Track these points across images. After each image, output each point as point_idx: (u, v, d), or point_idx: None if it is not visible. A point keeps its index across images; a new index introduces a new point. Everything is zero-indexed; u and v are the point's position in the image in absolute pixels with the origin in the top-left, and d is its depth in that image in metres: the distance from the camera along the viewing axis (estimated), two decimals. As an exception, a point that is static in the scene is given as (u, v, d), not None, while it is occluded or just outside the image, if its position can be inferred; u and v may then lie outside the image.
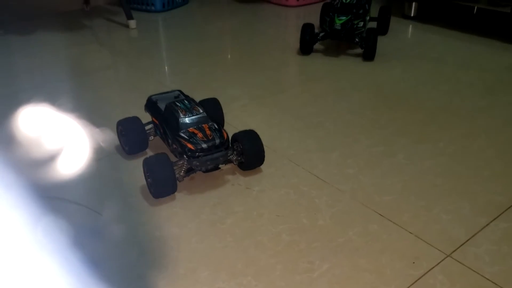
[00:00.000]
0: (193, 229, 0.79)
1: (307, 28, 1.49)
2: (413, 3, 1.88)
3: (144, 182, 0.88)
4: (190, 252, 0.74)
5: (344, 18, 1.44)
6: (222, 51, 1.68)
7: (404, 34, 1.79)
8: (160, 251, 0.74)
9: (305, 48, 1.51)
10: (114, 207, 0.85)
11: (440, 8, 2.04)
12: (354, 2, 1.50)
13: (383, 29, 1.69)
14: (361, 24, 1.49)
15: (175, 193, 0.87)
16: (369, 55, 1.46)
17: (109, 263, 0.72)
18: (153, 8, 2.10)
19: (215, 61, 1.56)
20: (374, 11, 1.67)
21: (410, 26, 1.85)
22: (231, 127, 1.08)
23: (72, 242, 0.70)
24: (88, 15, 2.12)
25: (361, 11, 1.49)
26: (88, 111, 1.22)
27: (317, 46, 1.57)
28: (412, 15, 1.90)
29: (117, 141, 1.02)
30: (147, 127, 0.99)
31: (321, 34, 1.51)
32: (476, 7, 1.93)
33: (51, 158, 0.97)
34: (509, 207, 0.83)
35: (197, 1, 2.32)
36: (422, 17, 1.90)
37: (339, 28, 1.44)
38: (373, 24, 1.65)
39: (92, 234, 0.79)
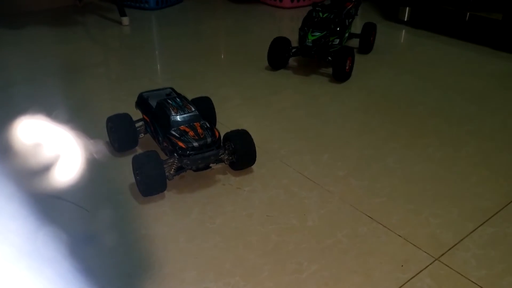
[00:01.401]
0: (182, 229, 0.79)
1: (276, 43, 1.42)
2: (406, 8, 1.89)
3: (133, 180, 0.88)
4: (178, 252, 0.74)
5: (318, 34, 1.35)
6: (215, 51, 1.68)
7: (397, 38, 1.81)
8: (147, 250, 0.74)
9: (274, 63, 1.44)
10: (101, 204, 0.85)
11: (432, 13, 2.05)
12: (332, 17, 1.41)
13: (365, 47, 1.59)
14: (337, 41, 1.41)
15: (165, 191, 0.86)
16: (338, 76, 1.36)
17: (94, 261, 0.72)
18: (146, 5, 2.09)
19: (208, 60, 1.56)
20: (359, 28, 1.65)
21: (403, 30, 1.86)
22: (223, 126, 1.08)
23: (58, 239, 0.70)
24: (81, 11, 2.10)
25: (339, 28, 1.40)
26: (78, 107, 1.21)
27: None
28: (405, 19, 1.91)
29: (106, 138, 1.02)
30: (137, 124, 0.98)
31: (293, 50, 1.43)
32: (468, 14, 1.95)
33: (37, 154, 0.96)
34: (496, 213, 0.83)
35: (191, 0, 2.31)
36: (415, 22, 1.91)
37: (310, 44, 1.34)
38: (356, 42, 1.60)
39: (79, 231, 0.78)
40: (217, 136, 0.87)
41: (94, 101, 1.25)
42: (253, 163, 0.93)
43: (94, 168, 0.96)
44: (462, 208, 0.84)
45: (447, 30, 1.83)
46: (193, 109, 0.89)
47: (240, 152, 0.90)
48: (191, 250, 0.74)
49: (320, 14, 1.43)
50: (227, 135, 0.91)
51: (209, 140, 0.85)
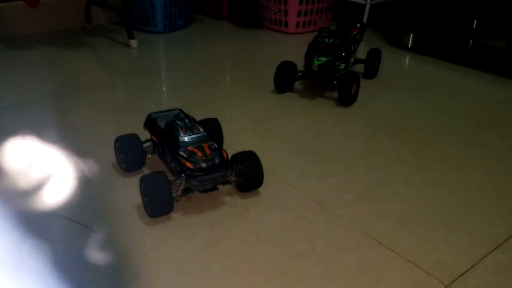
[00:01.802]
0: (189, 251, 0.78)
1: (282, 67, 1.44)
2: (410, 35, 1.91)
3: (140, 200, 0.87)
4: (185, 274, 0.73)
5: (323, 59, 1.37)
6: (222, 74, 1.70)
7: (402, 64, 1.82)
8: (154, 272, 0.73)
9: (280, 87, 1.45)
10: (108, 225, 0.84)
11: (436, 40, 2.08)
12: (338, 42, 1.42)
13: (370, 73, 1.60)
14: (343, 66, 1.42)
15: (171, 213, 0.86)
16: (344, 100, 1.37)
17: (101, 283, 0.71)
18: (155, 29, 2.12)
19: (215, 83, 1.57)
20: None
21: (408, 56, 1.88)
22: (230, 148, 1.08)
23: (63, 261, 0.69)
24: (89, 33, 2.13)
25: (344, 53, 1.42)
26: (85, 128, 1.21)
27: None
28: (409, 46, 1.93)
29: (114, 159, 1.01)
30: (145, 145, 0.99)
31: (299, 74, 1.45)
32: (471, 41, 1.97)
33: (43, 175, 0.96)
34: (507, 239, 0.82)
35: (198, 25, 2.35)
36: (419, 49, 1.93)
37: (316, 69, 1.36)
38: (361, 67, 1.62)
39: (85, 252, 0.77)
40: (225, 157, 0.87)
41: (102, 121, 1.26)
42: (261, 185, 0.93)
43: (101, 188, 0.95)
44: (472, 234, 0.83)
45: (451, 57, 1.85)
46: (201, 130, 0.90)
47: (247, 174, 0.89)
48: (199, 273, 0.73)
49: (326, 39, 1.44)
50: (234, 156, 0.91)
51: (217, 161, 0.85)
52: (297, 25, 2.17)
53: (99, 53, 1.90)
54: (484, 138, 1.20)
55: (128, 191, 0.93)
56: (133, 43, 1.90)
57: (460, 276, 0.73)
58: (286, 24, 2.18)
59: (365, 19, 2.21)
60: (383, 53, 1.69)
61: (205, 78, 1.61)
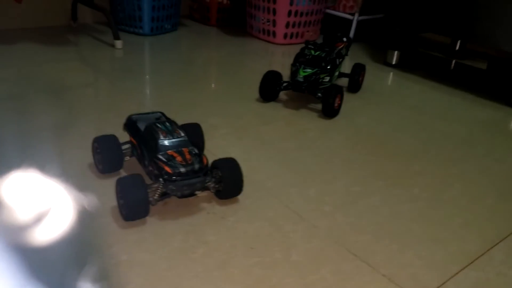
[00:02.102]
0: (163, 256, 0.76)
1: (268, 76, 1.44)
2: (395, 52, 1.94)
3: (115, 203, 0.86)
4: (157, 280, 0.71)
5: (309, 70, 1.38)
6: (206, 80, 1.69)
7: (385, 80, 1.84)
8: (126, 277, 0.71)
9: (265, 95, 1.46)
10: (81, 227, 0.82)
11: (420, 58, 2.11)
12: (323, 55, 1.44)
13: (354, 87, 1.62)
14: (327, 79, 1.43)
15: (147, 217, 0.84)
16: (327, 112, 1.38)
17: (70, 285, 0.69)
18: (141, 31, 2.11)
19: (199, 89, 1.56)
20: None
21: (391, 73, 1.90)
22: (211, 154, 1.07)
23: (31, 261, 0.67)
24: (75, 31, 2.11)
25: (329, 66, 1.43)
26: (64, 126, 1.19)
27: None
28: (393, 63, 1.95)
29: (91, 159, 1.00)
30: (123, 147, 0.97)
31: (284, 84, 1.45)
32: (454, 61, 2.01)
33: (16, 171, 0.94)
34: (479, 256, 0.83)
35: (186, 30, 2.34)
36: (403, 66, 1.96)
37: (302, 80, 1.37)
38: (346, 81, 1.64)
39: (54, 252, 0.75)
40: (205, 163, 0.86)
41: (81, 121, 1.24)
42: (240, 193, 0.92)
43: (75, 188, 0.93)
44: (446, 250, 0.84)
45: (434, 75, 1.88)
46: (182, 134, 0.89)
47: (227, 181, 0.89)
48: (171, 279, 0.71)
49: (312, 51, 1.46)
50: (215, 163, 0.90)
51: (196, 166, 0.84)
52: (285, 36, 2.19)
53: (83, 52, 1.88)
54: (462, 157, 1.22)
55: (104, 192, 0.91)
56: (118, 43, 1.88)
57: (432, 292, 0.74)
58: (274, 35, 2.19)
59: (351, 34, 2.24)
60: (368, 69, 1.71)
61: (189, 83, 1.60)
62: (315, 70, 1.39)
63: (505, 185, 1.09)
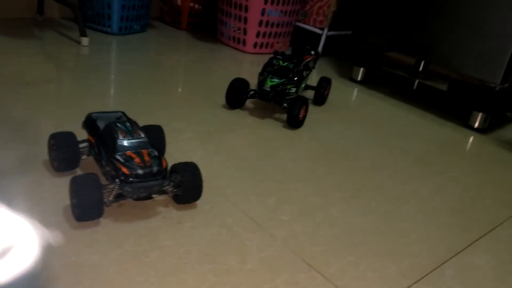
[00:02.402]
0: (114, 259, 0.74)
1: (235, 83, 1.44)
2: (361, 69, 1.98)
3: (68, 202, 0.83)
4: (106, 283, 0.69)
5: (276, 80, 1.39)
6: (172, 83, 1.67)
7: (350, 96, 1.87)
8: (74, 279, 0.69)
9: (231, 102, 1.45)
10: (30, 225, 0.79)
11: (385, 76, 2.16)
12: (291, 66, 1.45)
13: (319, 100, 1.64)
14: (294, 90, 1.44)
15: (101, 218, 0.82)
16: (291, 123, 1.39)
17: (16, 285, 0.66)
18: (109, 29, 2.07)
19: (165, 92, 1.54)
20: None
21: (356, 89, 1.94)
22: (172, 158, 1.05)
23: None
24: (40, 25, 2.05)
25: (296, 77, 1.44)
26: (21, 121, 1.15)
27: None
28: (358, 79, 1.99)
29: (46, 156, 0.96)
30: (81, 145, 0.94)
31: (251, 92, 1.45)
32: (417, 81, 2.07)
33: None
34: (430, 272, 0.85)
35: (155, 32, 2.32)
36: (368, 82, 2.00)
37: (268, 89, 1.38)
38: (311, 94, 1.66)
39: (2, 251, 0.72)
40: (164, 166, 0.85)
41: (40, 117, 1.20)
42: (198, 198, 0.91)
43: (28, 185, 0.90)
44: (399, 264, 0.85)
45: (397, 94, 1.93)
46: (142, 135, 0.87)
47: (186, 186, 0.87)
48: (121, 283, 0.69)
49: (281, 62, 1.47)
50: (174, 166, 0.89)
51: (155, 169, 0.83)
52: (255, 45, 2.20)
53: (47, 47, 1.82)
54: (419, 174, 1.25)
55: (57, 191, 0.88)
56: (85, 41, 1.84)
57: (383, 305, 0.75)
58: (244, 43, 2.20)
59: (320, 49, 2.27)
60: (334, 83, 1.74)
61: (155, 86, 1.58)
62: (282, 80, 1.41)
63: (458, 204, 1.12)
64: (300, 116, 1.38)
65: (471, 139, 1.60)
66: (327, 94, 1.67)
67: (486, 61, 1.56)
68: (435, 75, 1.81)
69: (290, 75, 1.44)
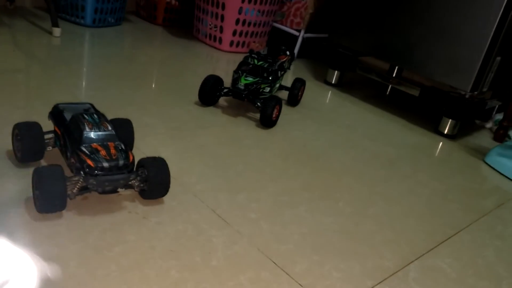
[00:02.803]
0: (75, 252, 0.73)
1: (209, 80, 1.43)
2: (335, 72, 2.00)
3: (31, 194, 0.80)
4: (66, 276, 0.67)
5: (250, 79, 1.39)
6: (146, 79, 1.65)
7: (324, 98, 1.89)
8: (32, 271, 0.67)
9: (204, 99, 1.44)
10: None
11: (359, 80, 2.19)
12: (266, 66, 1.45)
13: (293, 100, 1.65)
14: (268, 89, 1.44)
15: (63, 211, 0.80)
16: (264, 122, 1.39)
17: (-33, 277, 0.63)
18: (82, 21, 2.03)
19: (137, 86, 1.52)
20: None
21: (330, 92, 1.96)
22: (141, 153, 1.04)
23: None
24: (10, 13, 1.99)
25: (270, 77, 1.44)
26: (-15, 110, 1.11)
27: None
28: (333, 82, 2.01)
29: (10, 146, 0.94)
30: (46, 136, 0.92)
31: (225, 90, 1.46)
32: (390, 87, 2.10)
33: None
34: (394, 273, 0.86)
35: (130, 26, 2.29)
36: (342, 85, 2.02)
37: (242, 87, 1.37)
38: (285, 94, 1.67)
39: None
40: (131, 160, 0.83)
41: (5, 106, 1.16)
42: (165, 194, 0.90)
43: (-12, 175, 0.87)
44: (364, 265, 0.86)
45: (370, 98, 1.95)
46: (109, 128, 0.85)
47: (153, 181, 0.86)
48: (81, 277, 0.68)
49: (256, 61, 1.47)
50: (142, 161, 0.88)
51: (121, 162, 0.81)
52: (231, 43, 2.19)
53: (17, 36, 1.77)
54: (387, 177, 1.26)
55: (20, 182, 0.86)
56: (56, 31, 1.80)
57: (346, 304, 0.75)
58: (220, 41, 2.19)
59: (296, 50, 2.28)
60: (308, 85, 1.74)
61: (127, 80, 1.56)
62: (256, 79, 1.41)
63: (425, 207, 1.14)
64: (273, 116, 1.38)
65: (440, 144, 1.63)
66: (301, 96, 1.68)
67: (457, 68, 1.60)
68: (408, 81, 1.84)
69: (265, 74, 1.44)
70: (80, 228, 0.78)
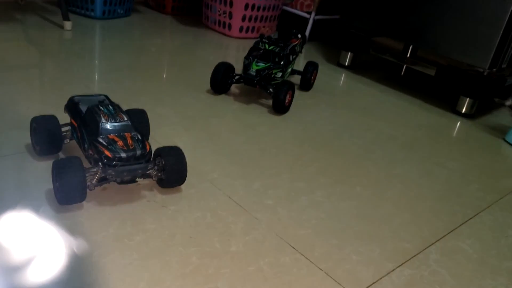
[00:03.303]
0: (97, 242, 0.73)
1: (220, 68, 1.41)
2: (348, 53, 1.97)
3: (51, 186, 0.81)
4: (89, 266, 0.68)
5: (262, 65, 1.38)
6: (157, 68, 1.65)
7: (337, 81, 1.87)
8: (56, 262, 0.68)
9: (216, 87, 1.44)
10: (12, 209, 0.78)
11: (373, 61, 2.16)
12: (277, 50, 1.43)
13: (306, 85, 1.62)
14: (280, 74, 1.43)
15: (83, 202, 0.81)
16: (277, 108, 1.37)
17: (-7, 269, 0.65)
18: (92, 14, 2.03)
19: (149, 77, 1.52)
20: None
21: (343, 74, 1.94)
22: (156, 143, 1.04)
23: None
24: (22, 9, 2.00)
25: (282, 62, 1.43)
26: (2, 106, 1.13)
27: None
28: (346, 64, 1.99)
29: (29, 140, 0.95)
30: (64, 129, 0.93)
31: (236, 77, 1.43)
32: (405, 67, 2.07)
33: None
34: (414, 255, 0.85)
35: (139, 16, 2.28)
36: (355, 67, 1.99)
37: (254, 74, 1.36)
38: (298, 79, 1.65)
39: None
40: (148, 150, 0.84)
41: (22, 101, 1.17)
42: (183, 182, 0.90)
43: (10, 169, 0.88)
44: (384, 248, 0.86)
45: (385, 79, 1.93)
46: (125, 119, 0.86)
47: (170, 170, 0.86)
48: (104, 266, 0.69)
49: (266, 46, 1.45)
50: (158, 150, 0.88)
51: (138, 152, 0.82)
52: (241, 29, 2.18)
53: (29, 31, 1.78)
54: (405, 159, 1.25)
55: (40, 175, 0.87)
56: (68, 25, 1.80)
57: (367, 287, 0.75)
58: (230, 27, 2.17)
59: (307, 33, 2.26)
60: (321, 68, 1.73)
61: (139, 71, 1.56)
62: (268, 64, 1.39)
63: (443, 188, 1.13)
64: (286, 101, 1.38)
65: (458, 124, 1.60)
66: (314, 80, 1.66)
67: (475, 45, 1.56)
68: (423, 60, 1.81)
69: (276, 59, 1.42)
70: (101, 218, 0.79)
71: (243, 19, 2.15)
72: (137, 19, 2.22)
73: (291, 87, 1.38)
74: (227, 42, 2.12)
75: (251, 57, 1.41)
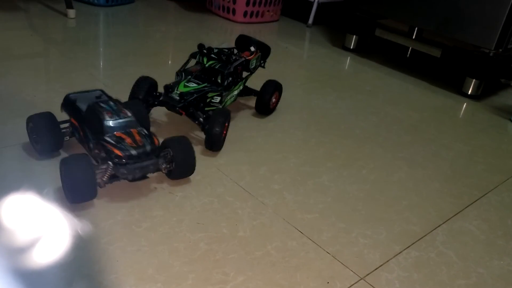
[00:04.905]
0: (106, 229, 0.74)
1: (142, 84, 1.06)
2: (353, 36, 1.95)
3: (57, 184, 0.80)
4: (98, 253, 0.69)
5: (193, 85, 1.02)
6: (162, 55, 1.65)
7: (342, 64, 1.86)
8: (66, 249, 0.69)
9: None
10: (19, 195, 0.78)
11: (378, 44, 2.14)
12: (217, 67, 1.07)
13: (263, 108, 1.22)
14: (218, 99, 1.07)
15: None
16: (209, 143, 1.00)
17: (8, 259, 0.66)
18: (96, 1, 2.02)
19: (154, 64, 1.52)
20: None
21: (349, 57, 1.92)
22: (161, 130, 1.04)
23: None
24: (24, -2, 2.00)
25: (226, 82, 1.07)
26: (7, 96, 1.13)
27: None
28: (351, 47, 1.97)
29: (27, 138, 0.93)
30: (63, 125, 0.90)
31: (158, 99, 1.06)
32: (410, 49, 2.05)
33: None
34: (421, 237, 0.86)
35: (143, 3, 2.27)
36: (360, 50, 1.98)
37: (177, 98, 0.99)
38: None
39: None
40: (157, 144, 0.82)
41: (27, 90, 1.18)
42: (192, 173, 0.89)
43: (11, 167, 0.89)
44: (391, 231, 0.86)
45: (390, 62, 1.91)
46: (129, 114, 0.83)
47: (179, 161, 0.85)
48: (113, 252, 0.70)
49: (205, 60, 1.08)
50: (166, 141, 0.86)
51: (148, 148, 0.80)
52: (245, 14, 2.16)
53: (33, 20, 1.78)
54: (411, 142, 1.24)
55: (46, 164, 0.87)
56: (71, 13, 1.80)
57: (375, 270, 0.76)
58: (234, 12, 2.15)
59: (311, 16, 2.24)
60: (326, 52, 1.71)
61: (144, 58, 1.55)
62: (201, 86, 1.03)
63: (450, 170, 1.12)
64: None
65: (464, 105, 1.59)
66: (276, 103, 1.27)
67: (481, 26, 1.54)
68: (429, 42, 1.79)
69: (213, 79, 1.07)
70: (108, 206, 0.80)
71: (247, 3, 2.13)
72: (141, 6, 2.20)
73: (226, 118, 1.02)
74: (231, 28, 2.11)
75: (183, 73, 1.06)
